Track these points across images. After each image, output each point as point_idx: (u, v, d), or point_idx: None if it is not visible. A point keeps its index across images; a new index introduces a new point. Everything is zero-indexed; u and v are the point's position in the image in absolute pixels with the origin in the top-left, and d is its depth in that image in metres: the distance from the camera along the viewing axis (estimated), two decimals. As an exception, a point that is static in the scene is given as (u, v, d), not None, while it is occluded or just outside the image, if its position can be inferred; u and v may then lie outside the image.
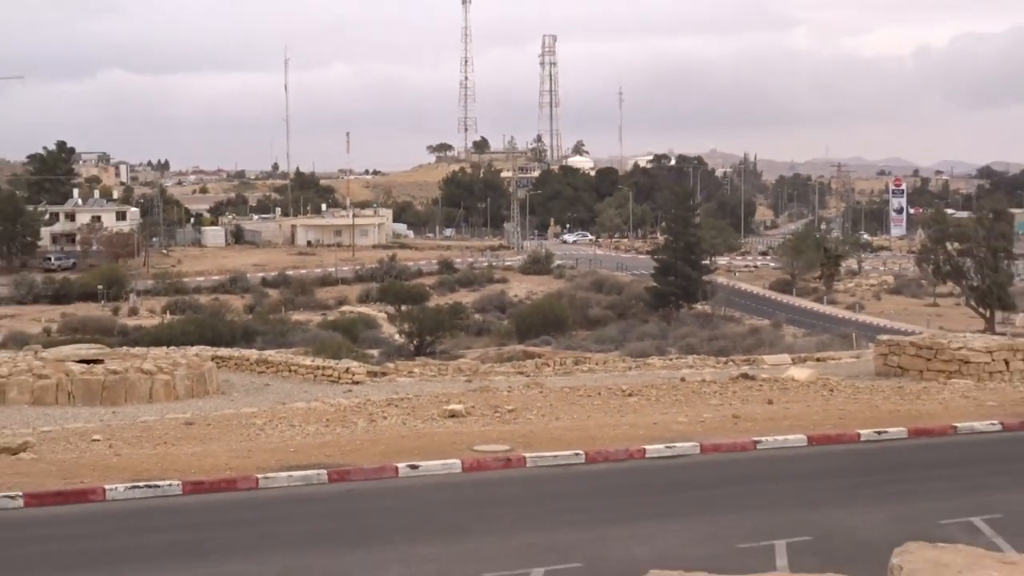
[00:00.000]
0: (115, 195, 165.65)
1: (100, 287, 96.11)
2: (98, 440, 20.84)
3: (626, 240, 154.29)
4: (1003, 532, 13.81)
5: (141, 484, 16.96)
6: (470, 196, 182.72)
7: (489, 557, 13.12)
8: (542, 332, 68.24)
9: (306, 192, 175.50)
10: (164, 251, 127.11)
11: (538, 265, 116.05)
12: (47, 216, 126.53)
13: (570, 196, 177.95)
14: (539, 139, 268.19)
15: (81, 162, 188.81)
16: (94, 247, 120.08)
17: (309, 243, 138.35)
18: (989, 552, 8.13)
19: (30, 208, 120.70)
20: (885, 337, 33.23)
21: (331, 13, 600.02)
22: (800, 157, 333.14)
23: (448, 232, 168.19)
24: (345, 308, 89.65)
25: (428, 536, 14.40)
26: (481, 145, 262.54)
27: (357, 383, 32.07)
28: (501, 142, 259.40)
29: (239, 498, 16.87)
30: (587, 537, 14.07)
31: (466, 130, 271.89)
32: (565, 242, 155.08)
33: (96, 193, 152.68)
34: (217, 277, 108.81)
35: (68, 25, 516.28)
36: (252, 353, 39.15)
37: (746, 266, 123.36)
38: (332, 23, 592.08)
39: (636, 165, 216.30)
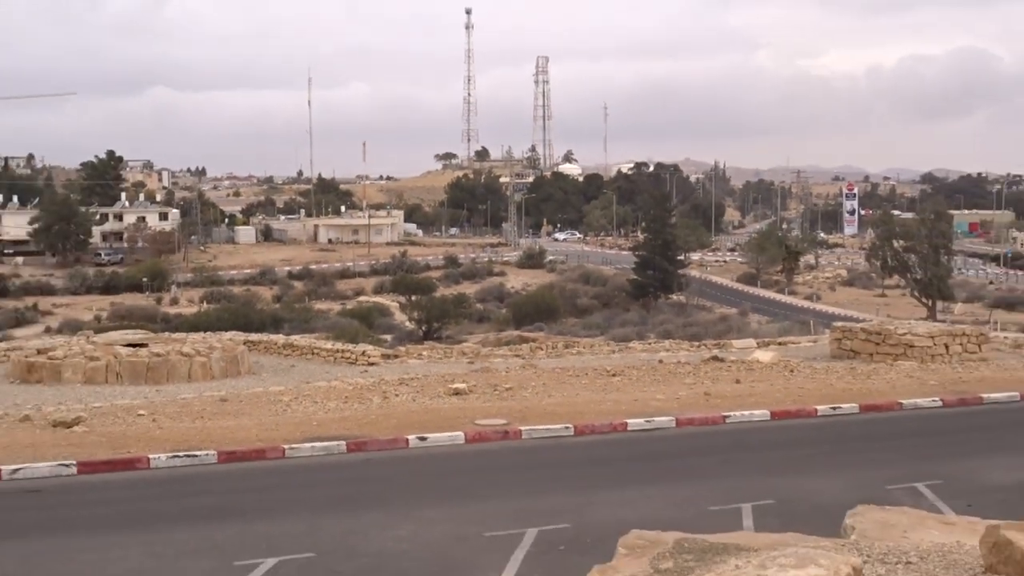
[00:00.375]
0: (158, 198, 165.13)
1: (145, 279, 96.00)
2: (143, 415, 20.82)
3: (610, 238, 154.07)
4: (943, 496, 13.83)
5: (181, 454, 16.96)
6: (472, 199, 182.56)
7: (489, 518, 13.12)
8: (536, 319, 68.14)
9: (327, 195, 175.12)
10: (201, 248, 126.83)
11: (532, 260, 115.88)
12: (98, 217, 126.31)
13: (561, 199, 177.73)
14: (533, 149, 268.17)
15: (128, 169, 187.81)
16: (139, 244, 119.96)
17: (330, 241, 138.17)
18: (931, 514, 8.12)
19: (83, 209, 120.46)
20: (839, 324, 33.24)
21: (350, 38, 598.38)
22: (764, 165, 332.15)
23: (453, 231, 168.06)
24: (362, 298, 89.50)
25: (435, 500, 14.39)
26: (482, 154, 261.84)
27: (372, 364, 32.01)
28: (500, 151, 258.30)
29: (268, 466, 16.86)
30: (576, 501, 14.07)
31: (469, 141, 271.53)
32: (556, 240, 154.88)
33: (141, 196, 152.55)
34: (248, 271, 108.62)
35: (119, 48, 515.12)
36: (279, 338, 39.00)
37: (716, 261, 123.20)
38: (351, 47, 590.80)
39: (619, 172, 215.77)
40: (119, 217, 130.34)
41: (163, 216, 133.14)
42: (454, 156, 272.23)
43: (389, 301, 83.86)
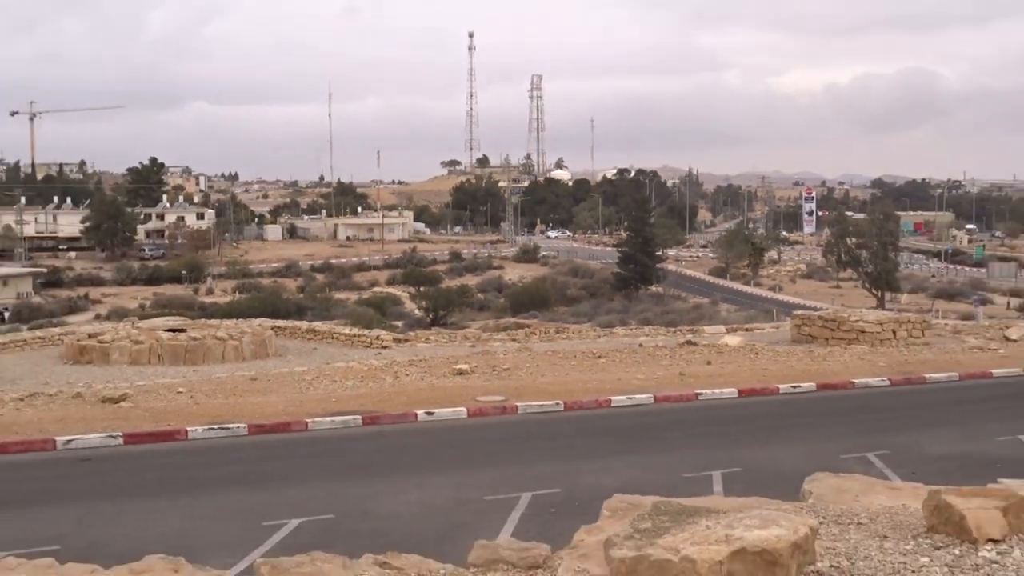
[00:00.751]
0: (195, 200, 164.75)
1: (184, 272, 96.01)
2: (182, 392, 20.80)
3: (597, 236, 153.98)
4: (890, 465, 13.84)
5: (215, 426, 16.95)
6: (474, 201, 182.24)
7: (488, 484, 13.12)
8: (531, 308, 68.19)
9: (345, 198, 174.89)
10: (234, 244, 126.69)
11: (528, 255, 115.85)
12: (142, 216, 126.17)
13: (553, 201, 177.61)
14: (528, 156, 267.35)
15: (169, 174, 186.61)
16: (179, 241, 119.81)
17: (348, 238, 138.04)
18: (880, 480, 8.12)
19: (129, 210, 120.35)
20: (799, 312, 33.22)
21: (365, 57, 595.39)
22: (733, 171, 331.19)
23: (457, 229, 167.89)
24: (376, 289, 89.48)
25: (441, 467, 14.39)
26: (483, 161, 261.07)
27: (385, 348, 32.00)
28: (499, 159, 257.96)
29: (292, 438, 16.85)
30: (565, 468, 14.06)
31: (471, 149, 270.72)
32: (549, 237, 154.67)
33: (180, 198, 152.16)
34: (276, 264, 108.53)
35: (162, 65, 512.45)
36: (303, 324, 38.95)
37: (690, 256, 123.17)
38: (366, 65, 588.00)
39: (604, 177, 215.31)
40: (161, 217, 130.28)
41: (200, 216, 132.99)
42: (458, 163, 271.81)
43: (400, 292, 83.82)
